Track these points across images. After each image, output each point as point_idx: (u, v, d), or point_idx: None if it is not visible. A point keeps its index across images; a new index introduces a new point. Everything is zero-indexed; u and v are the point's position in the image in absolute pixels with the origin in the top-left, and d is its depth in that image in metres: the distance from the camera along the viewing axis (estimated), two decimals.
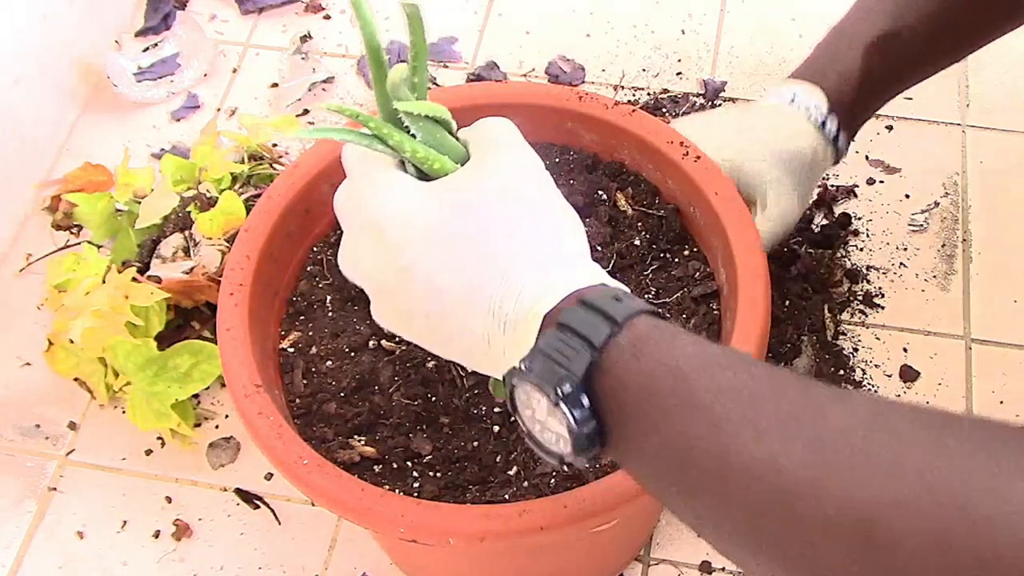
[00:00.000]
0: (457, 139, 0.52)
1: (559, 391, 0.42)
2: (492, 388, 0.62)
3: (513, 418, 0.48)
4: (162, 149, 1.05)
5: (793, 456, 0.37)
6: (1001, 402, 0.86)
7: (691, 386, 0.41)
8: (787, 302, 0.88)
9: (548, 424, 0.45)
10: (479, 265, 0.47)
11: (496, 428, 0.64)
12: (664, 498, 0.44)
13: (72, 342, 0.85)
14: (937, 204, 0.98)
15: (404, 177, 0.50)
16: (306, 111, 1.07)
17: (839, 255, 0.94)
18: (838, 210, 0.97)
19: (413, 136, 0.50)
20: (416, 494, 0.61)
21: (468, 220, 0.47)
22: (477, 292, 0.46)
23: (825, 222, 0.96)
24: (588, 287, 0.46)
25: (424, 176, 0.51)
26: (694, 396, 0.40)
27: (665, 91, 1.06)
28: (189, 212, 0.91)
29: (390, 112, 0.50)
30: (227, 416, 0.89)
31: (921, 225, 0.96)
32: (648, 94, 1.06)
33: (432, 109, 0.49)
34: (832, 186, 0.98)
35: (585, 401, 0.43)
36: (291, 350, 0.68)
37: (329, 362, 0.67)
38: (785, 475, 0.37)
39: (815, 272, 0.91)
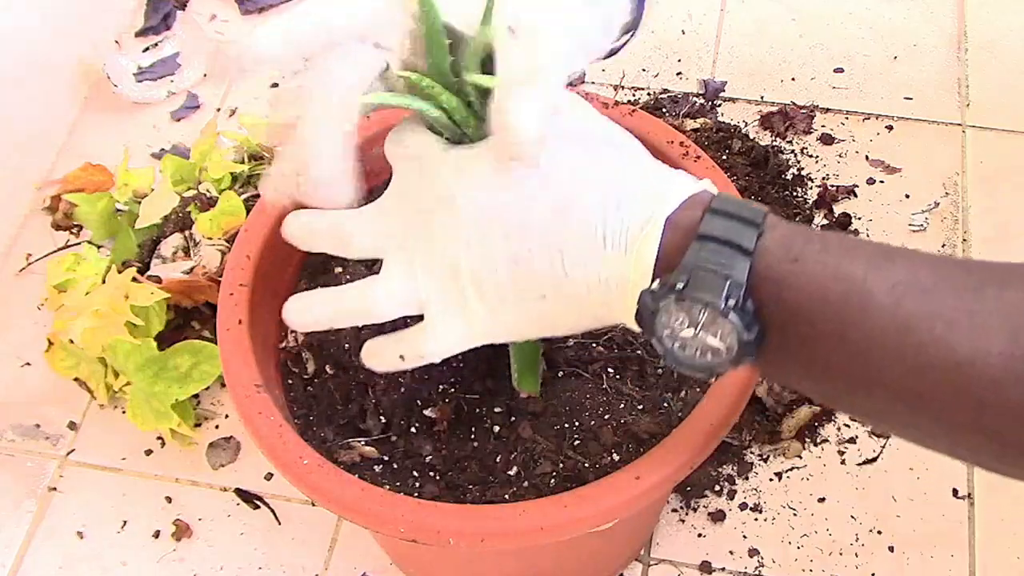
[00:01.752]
0: None
1: (727, 302, 0.42)
2: (517, 382, 0.62)
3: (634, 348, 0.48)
4: (162, 149, 1.05)
5: (993, 347, 0.38)
6: None
7: (865, 286, 0.40)
8: None
9: (698, 339, 0.44)
10: (582, 193, 0.45)
11: (496, 428, 0.64)
12: (832, 398, 0.44)
13: (72, 342, 0.85)
14: (937, 204, 0.98)
15: (461, 147, 0.48)
16: None
17: None
18: (838, 210, 0.97)
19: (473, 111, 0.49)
20: (416, 494, 0.61)
21: (552, 159, 0.46)
22: (587, 216, 0.45)
23: (825, 222, 0.96)
24: (701, 192, 0.45)
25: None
26: (871, 297, 0.40)
27: (665, 91, 1.06)
28: (189, 212, 0.91)
29: (445, 84, 0.49)
30: (227, 416, 0.89)
31: (921, 225, 0.96)
32: (648, 94, 1.06)
33: (494, 83, 0.48)
34: (832, 186, 0.98)
35: (751, 307, 0.42)
36: (291, 350, 0.68)
37: (329, 362, 0.67)
38: (991, 366, 0.38)
39: None
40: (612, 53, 0.57)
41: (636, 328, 0.46)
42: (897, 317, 0.40)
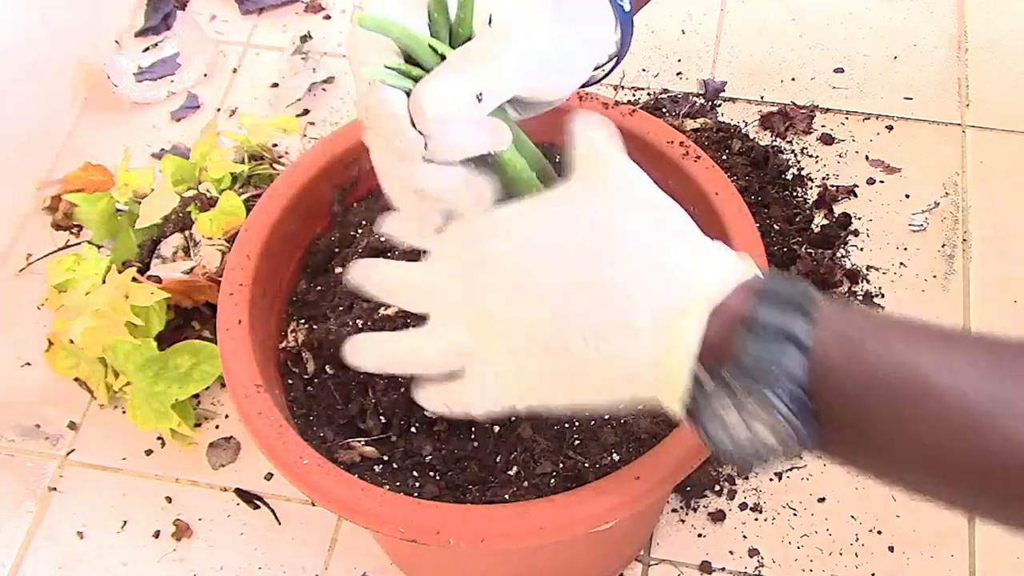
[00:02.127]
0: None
1: (780, 396, 0.41)
2: None
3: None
4: (162, 149, 1.05)
5: None
6: None
7: (922, 376, 0.40)
8: None
9: (751, 432, 0.42)
10: (618, 264, 0.44)
11: (496, 428, 0.64)
12: (890, 479, 0.44)
13: (72, 342, 0.85)
14: (937, 204, 0.98)
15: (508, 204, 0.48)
16: (306, 111, 1.07)
17: (839, 255, 0.94)
18: (838, 210, 0.97)
19: None
20: (416, 494, 0.61)
21: (604, 231, 0.45)
22: (618, 291, 0.44)
23: (825, 222, 0.96)
24: (744, 272, 0.44)
25: (413, 60, 0.48)
26: (931, 383, 0.40)
27: (665, 91, 1.06)
28: (189, 212, 0.91)
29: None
30: (227, 416, 0.89)
31: (921, 225, 0.96)
32: (648, 94, 1.06)
33: (448, 52, 0.48)
34: (832, 186, 0.98)
35: (806, 402, 0.41)
36: (291, 350, 0.68)
37: (329, 362, 0.67)
38: None
39: (815, 272, 0.91)
40: (595, 81, 0.56)
41: (680, 415, 0.44)
42: (955, 403, 0.40)
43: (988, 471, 0.40)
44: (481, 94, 0.45)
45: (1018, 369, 0.40)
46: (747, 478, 0.84)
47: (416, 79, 0.46)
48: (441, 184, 0.48)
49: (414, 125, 0.46)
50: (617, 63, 0.56)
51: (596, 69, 0.55)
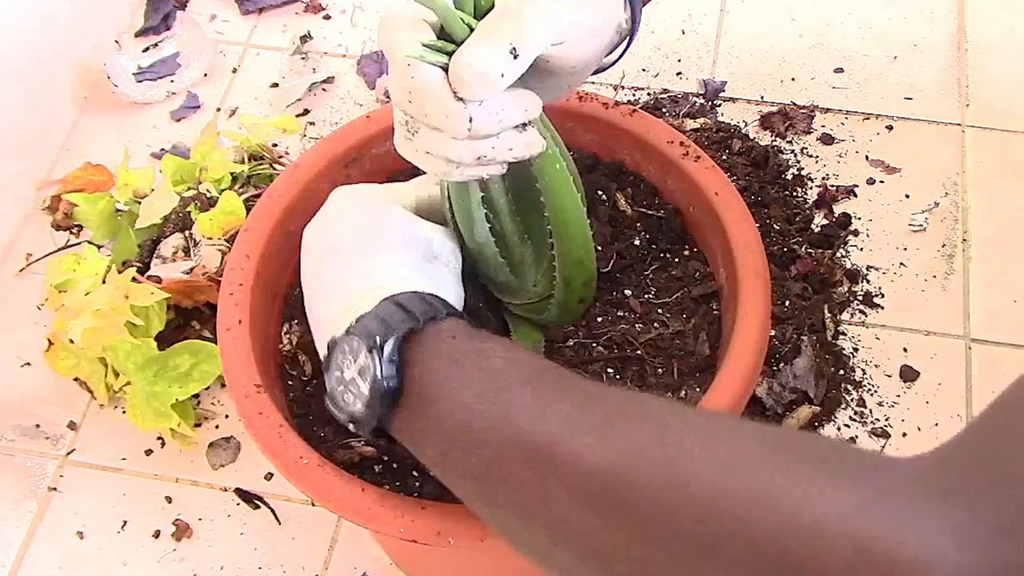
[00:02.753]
0: None
1: (376, 341, 0.49)
2: None
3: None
4: (162, 149, 1.05)
5: (577, 437, 0.43)
6: None
7: (491, 365, 0.48)
8: (787, 302, 0.88)
9: (353, 383, 0.51)
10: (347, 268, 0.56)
11: None
12: (437, 467, 0.50)
13: (72, 342, 0.85)
14: (937, 204, 0.98)
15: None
16: (306, 111, 1.07)
17: (839, 255, 0.94)
18: (838, 210, 0.97)
19: None
20: (416, 494, 0.61)
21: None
22: (345, 283, 0.55)
23: (825, 222, 0.96)
24: (423, 291, 0.53)
25: (445, 36, 0.50)
26: (497, 378, 0.47)
27: (665, 91, 1.06)
28: (189, 212, 0.91)
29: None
30: (227, 416, 0.89)
31: (921, 225, 0.96)
32: (648, 94, 1.06)
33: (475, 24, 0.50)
34: (832, 186, 0.98)
35: (395, 358, 0.49)
36: (288, 352, 0.68)
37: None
38: (558, 446, 0.43)
39: (815, 272, 0.91)
40: (603, 69, 0.57)
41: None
42: (501, 393, 0.47)
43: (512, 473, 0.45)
44: (514, 48, 0.48)
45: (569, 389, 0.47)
46: None
47: (450, 54, 0.48)
48: (502, 148, 0.52)
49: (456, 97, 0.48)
50: (629, 44, 0.58)
51: (608, 55, 0.57)
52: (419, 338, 0.50)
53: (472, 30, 0.49)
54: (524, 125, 0.52)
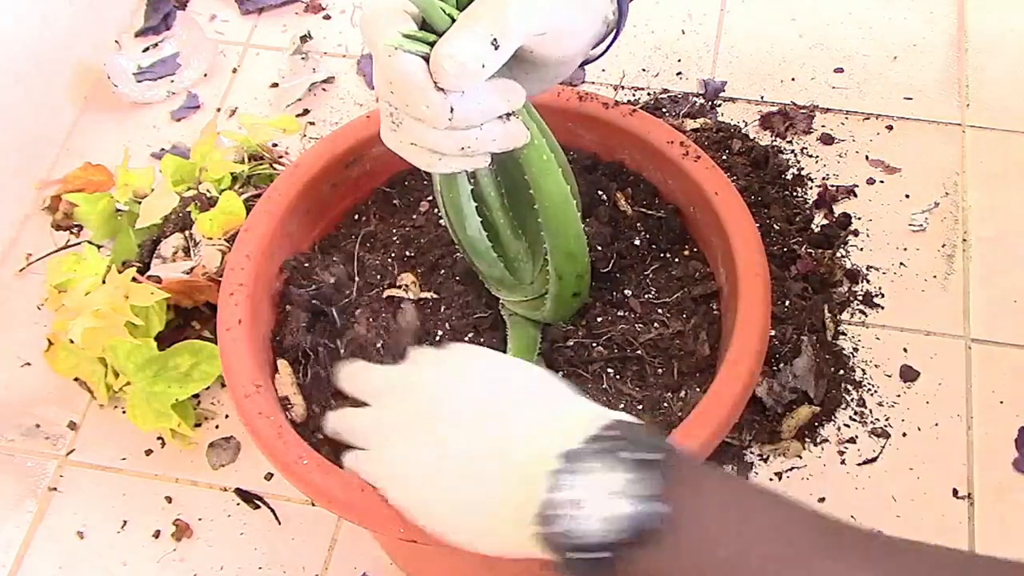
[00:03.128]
0: None
1: (642, 451, 0.44)
2: None
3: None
4: (162, 149, 1.05)
5: None
6: (1001, 402, 0.86)
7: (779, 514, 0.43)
8: (787, 302, 0.88)
9: (599, 505, 0.44)
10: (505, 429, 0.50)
11: None
12: None
13: (72, 342, 0.85)
14: (937, 204, 0.98)
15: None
16: (306, 111, 1.07)
17: (839, 255, 0.94)
18: (838, 210, 0.97)
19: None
20: None
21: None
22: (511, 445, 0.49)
23: (825, 222, 0.96)
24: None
25: (427, 28, 0.50)
26: (784, 531, 0.43)
27: (665, 91, 1.06)
28: (189, 212, 0.91)
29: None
30: (227, 416, 0.89)
31: (921, 225, 0.96)
32: (648, 94, 1.06)
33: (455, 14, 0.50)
34: (832, 186, 0.98)
35: (654, 488, 0.43)
36: (291, 350, 0.68)
37: (329, 361, 0.67)
38: None
39: (815, 272, 0.91)
40: (590, 61, 0.57)
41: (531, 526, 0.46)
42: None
43: None
44: (495, 39, 0.48)
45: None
46: (747, 478, 0.84)
47: (432, 44, 0.48)
48: (485, 139, 0.51)
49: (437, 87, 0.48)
50: (616, 36, 0.57)
51: (595, 47, 0.57)
52: (676, 466, 0.45)
53: (454, 21, 0.49)
54: (507, 116, 0.52)
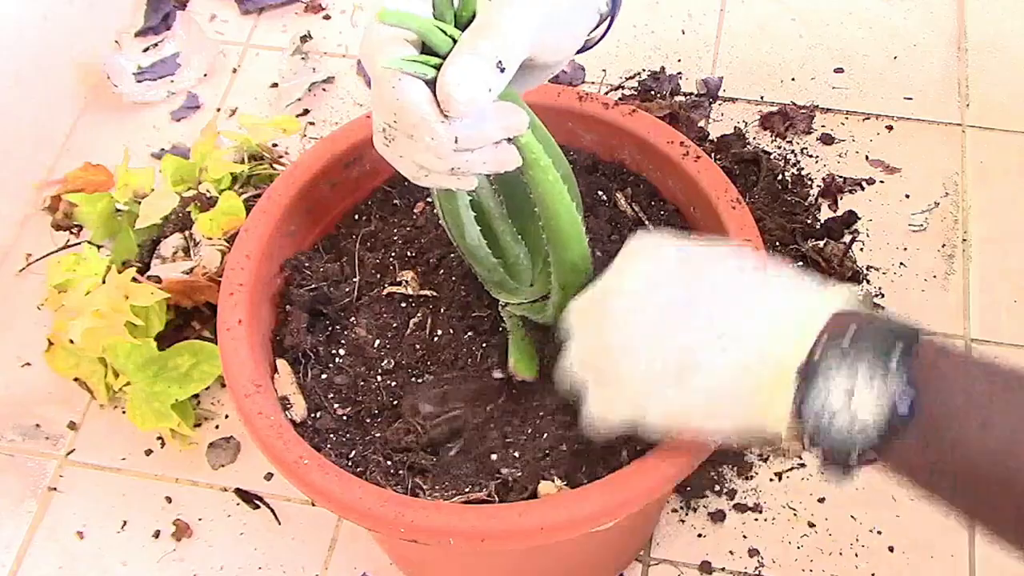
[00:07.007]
0: None
1: (892, 358, 0.43)
2: (514, 367, 0.63)
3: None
4: (162, 149, 1.05)
5: None
6: None
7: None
8: None
9: (850, 410, 0.44)
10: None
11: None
12: (947, 497, 0.46)
13: (72, 342, 0.85)
14: (937, 204, 0.98)
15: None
16: (306, 111, 1.07)
17: (846, 257, 0.94)
18: (844, 203, 0.96)
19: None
20: (417, 494, 0.61)
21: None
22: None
23: (830, 214, 0.96)
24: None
25: (428, 51, 0.49)
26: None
27: (652, 74, 1.06)
28: (189, 212, 0.91)
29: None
30: (227, 416, 0.89)
31: (921, 225, 0.96)
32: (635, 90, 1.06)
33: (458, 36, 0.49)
34: (840, 177, 0.98)
35: (910, 374, 0.43)
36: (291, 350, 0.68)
37: (329, 362, 0.67)
38: None
39: (815, 272, 0.91)
40: (590, 46, 0.57)
41: (783, 426, 0.46)
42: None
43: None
44: (500, 61, 0.47)
45: None
46: (748, 478, 0.84)
47: (434, 67, 0.47)
48: (476, 161, 0.50)
49: (441, 116, 0.48)
50: (610, 25, 0.57)
51: (590, 34, 0.56)
52: (920, 354, 0.44)
53: (455, 41, 0.48)
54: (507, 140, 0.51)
